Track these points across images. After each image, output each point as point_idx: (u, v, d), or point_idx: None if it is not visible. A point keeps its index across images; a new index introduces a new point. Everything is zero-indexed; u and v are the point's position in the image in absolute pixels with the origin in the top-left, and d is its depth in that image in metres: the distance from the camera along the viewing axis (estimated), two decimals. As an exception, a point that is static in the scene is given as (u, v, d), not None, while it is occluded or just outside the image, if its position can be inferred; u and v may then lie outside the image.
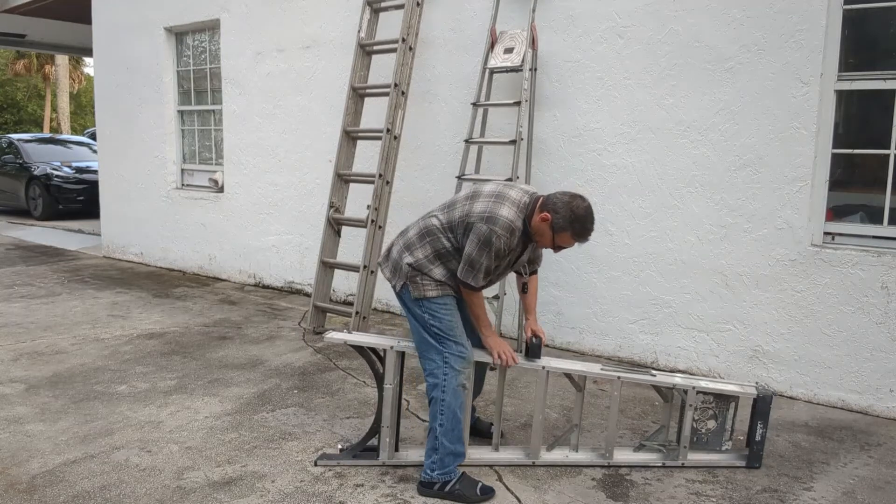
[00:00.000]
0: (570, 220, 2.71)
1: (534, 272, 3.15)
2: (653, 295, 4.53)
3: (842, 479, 3.08)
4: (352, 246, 5.72)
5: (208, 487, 2.88)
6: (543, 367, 3.04)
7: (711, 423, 3.13)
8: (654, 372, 3.23)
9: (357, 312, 5.00)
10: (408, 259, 2.86)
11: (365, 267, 4.98)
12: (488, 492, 2.84)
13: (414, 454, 3.13)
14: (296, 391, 4.01)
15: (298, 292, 6.56)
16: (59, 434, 3.38)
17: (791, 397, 4.07)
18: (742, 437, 3.36)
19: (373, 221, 5.01)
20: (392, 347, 3.00)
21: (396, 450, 3.10)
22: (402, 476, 3.00)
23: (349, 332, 3.11)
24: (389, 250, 3.00)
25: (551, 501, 2.82)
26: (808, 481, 3.05)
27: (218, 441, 3.33)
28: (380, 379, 3.06)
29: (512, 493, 2.88)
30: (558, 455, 3.14)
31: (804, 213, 3.97)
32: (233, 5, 6.83)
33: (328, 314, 5.37)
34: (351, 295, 6.06)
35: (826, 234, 4.02)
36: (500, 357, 2.94)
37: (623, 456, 3.15)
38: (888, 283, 3.74)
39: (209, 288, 6.87)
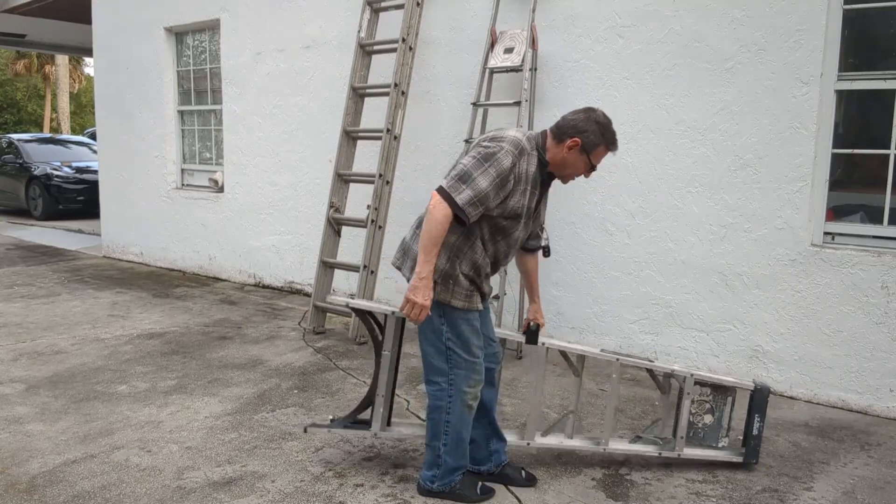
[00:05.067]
0: (602, 132, 2.58)
1: (532, 249, 2.91)
2: (653, 295, 4.53)
3: (842, 479, 3.08)
4: (352, 246, 5.72)
5: (208, 487, 2.88)
6: (543, 344, 3.00)
7: (708, 418, 3.13)
8: (651, 358, 3.22)
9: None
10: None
11: (365, 267, 4.98)
12: (488, 491, 2.84)
13: (406, 430, 3.13)
14: (296, 391, 4.01)
15: (298, 292, 6.56)
16: (59, 434, 3.38)
17: (791, 397, 4.07)
18: (742, 438, 3.35)
19: (373, 221, 5.01)
20: (393, 313, 2.92)
21: (388, 423, 3.08)
22: (402, 476, 3.00)
23: (354, 298, 3.05)
24: (405, 239, 2.80)
25: (551, 501, 2.82)
26: (808, 481, 3.05)
27: (218, 441, 3.33)
28: (378, 345, 3.00)
29: (512, 493, 2.88)
30: (553, 440, 3.11)
31: (804, 213, 3.97)
32: (233, 5, 6.83)
33: (328, 314, 5.37)
34: (351, 295, 6.06)
35: (826, 234, 4.02)
36: (406, 311, 2.53)
37: (619, 445, 3.13)
38: (888, 283, 3.74)
39: (209, 288, 6.87)
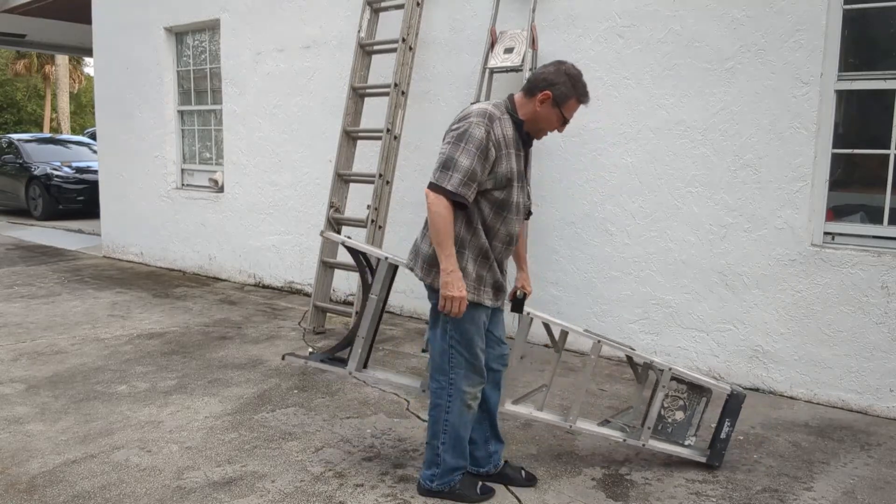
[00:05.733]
0: (573, 84, 2.56)
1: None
2: (653, 295, 4.53)
3: (842, 479, 3.08)
4: (352, 246, 5.71)
5: (208, 487, 2.88)
6: (528, 314, 2.99)
7: (679, 415, 3.12)
8: (633, 348, 3.22)
9: (357, 312, 5.00)
10: (425, 248, 2.66)
11: (365, 267, 4.98)
12: (488, 491, 2.84)
13: (380, 374, 3.19)
14: (296, 391, 4.01)
15: (298, 292, 6.56)
16: (59, 434, 3.38)
17: (791, 397, 4.07)
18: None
19: (373, 221, 5.01)
20: (386, 259, 2.91)
21: (365, 366, 3.09)
22: (402, 476, 3.00)
23: (349, 238, 3.04)
24: (416, 240, 2.83)
25: (551, 501, 2.82)
26: (808, 481, 3.05)
27: (218, 441, 3.33)
28: (366, 288, 2.99)
29: (512, 493, 2.88)
30: (523, 409, 3.10)
31: (804, 213, 3.97)
32: (233, 5, 6.83)
33: (328, 314, 5.38)
34: (351, 295, 6.06)
35: (826, 234, 4.02)
36: (446, 308, 2.55)
37: (586, 425, 3.11)
38: (888, 283, 3.74)
39: (209, 288, 6.87)
